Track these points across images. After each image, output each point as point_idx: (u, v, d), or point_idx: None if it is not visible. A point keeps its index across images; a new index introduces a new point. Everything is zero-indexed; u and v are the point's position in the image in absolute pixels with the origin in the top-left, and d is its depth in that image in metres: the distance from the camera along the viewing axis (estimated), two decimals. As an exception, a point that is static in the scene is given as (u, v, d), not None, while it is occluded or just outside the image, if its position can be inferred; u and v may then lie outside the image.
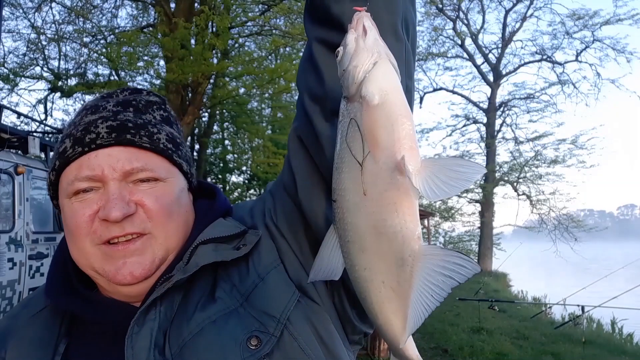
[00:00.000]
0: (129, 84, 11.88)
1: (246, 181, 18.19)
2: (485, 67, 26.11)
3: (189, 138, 15.59)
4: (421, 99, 27.45)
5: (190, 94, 10.73)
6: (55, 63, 12.51)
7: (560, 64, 25.64)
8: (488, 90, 25.89)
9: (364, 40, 0.60)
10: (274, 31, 11.45)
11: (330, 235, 0.66)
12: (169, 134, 0.80)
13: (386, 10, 0.71)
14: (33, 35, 12.00)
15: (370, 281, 0.62)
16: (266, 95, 12.70)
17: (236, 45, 12.82)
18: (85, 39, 11.89)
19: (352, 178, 0.60)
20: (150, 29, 11.66)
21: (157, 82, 12.47)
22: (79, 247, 0.74)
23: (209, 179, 20.62)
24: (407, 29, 0.75)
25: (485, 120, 25.92)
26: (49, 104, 13.82)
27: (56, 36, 11.81)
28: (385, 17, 0.70)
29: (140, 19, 13.39)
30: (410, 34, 0.76)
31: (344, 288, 0.76)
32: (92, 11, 12.17)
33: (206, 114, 16.68)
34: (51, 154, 5.25)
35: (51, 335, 0.77)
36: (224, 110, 16.47)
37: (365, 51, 0.60)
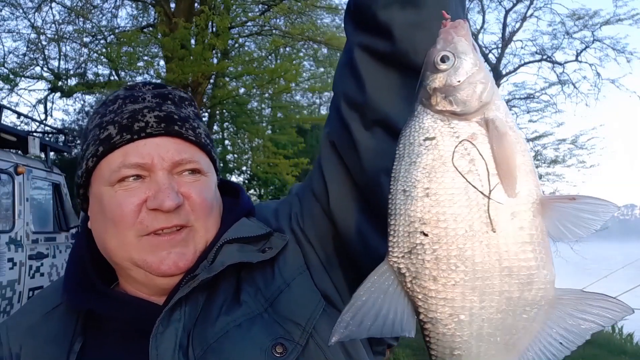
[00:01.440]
0: (129, 84, 11.86)
1: (246, 181, 18.18)
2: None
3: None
4: (421, 99, 27.32)
5: (190, 94, 10.71)
6: (55, 63, 12.49)
7: (560, 64, 25.59)
8: (488, 90, 25.80)
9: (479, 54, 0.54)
10: (274, 31, 11.44)
11: (388, 279, 0.54)
12: (205, 130, 0.81)
13: (439, 17, 0.66)
14: (33, 35, 11.98)
15: (477, 333, 0.52)
16: (266, 95, 12.68)
17: (236, 45, 12.80)
18: (85, 39, 11.88)
19: (466, 209, 0.50)
20: (150, 29, 11.64)
21: (157, 82, 12.44)
22: (120, 237, 0.72)
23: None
24: None
25: (485, 120, 25.83)
26: (49, 104, 13.81)
27: (56, 36, 11.79)
28: (437, 25, 0.65)
29: (140, 19, 13.38)
30: None
31: None
32: (92, 11, 12.15)
33: (206, 114, 16.66)
34: (51, 154, 5.25)
35: (66, 332, 0.76)
36: (224, 110, 16.45)
37: (485, 69, 0.54)
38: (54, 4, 11.68)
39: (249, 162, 16.82)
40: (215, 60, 11.02)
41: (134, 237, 0.72)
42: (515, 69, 26.75)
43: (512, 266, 0.50)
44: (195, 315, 0.70)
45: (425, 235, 0.51)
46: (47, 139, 5.68)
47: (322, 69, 14.29)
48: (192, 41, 9.83)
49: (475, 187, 0.50)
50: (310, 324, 0.69)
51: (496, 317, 0.51)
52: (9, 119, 12.59)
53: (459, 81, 0.53)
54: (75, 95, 13.66)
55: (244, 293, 0.71)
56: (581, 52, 24.85)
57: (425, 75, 0.55)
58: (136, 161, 0.72)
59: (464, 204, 0.50)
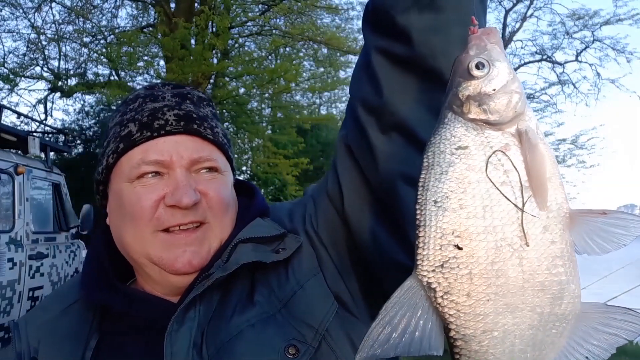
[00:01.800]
0: (129, 84, 11.86)
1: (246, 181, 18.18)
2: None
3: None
4: (421, 99, 27.33)
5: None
6: (55, 63, 12.48)
7: (560, 64, 25.57)
8: (488, 90, 25.80)
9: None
10: (274, 31, 11.45)
11: (416, 294, 0.51)
12: (222, 130, 0.82)
13: (457, 22, 0.66)
14: (33, 35, 11.98)
15: (509, 350, 0.51)
16: (266, 95, 12.68)
17: (236, 45, 12.80)
18: (85, 39, 11.88)
19: (500, 222, 0.49)
20: (150, 29, 11.65)
21: (157, 82, 12.45)
22: (137, 233, 0.73)
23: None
24: None
25: (485, 120, 25.83)
26: (49, 104, 13.81)
27: (56, 36, 11.79)
28: (455, 29, 0.65)
29: (140, 19, 13.38)
30: None
31: (384, 302, 0.76)
32: (92, 11, 12.15)
33: (206, 114, 16.63)
34: (51, 154, 5.25)
35: (83, 329, 0.77)
36: (224, 110, 16.45)
37: (519, 78, 0.53)
38: (54, 4, 11.69)
39: (249, 162, 16.82)
40: (215, 60, 11.02)
41: (150, 233, 0.73)
42: (515, 69, 26.55)
43: (545, 281, 0.49)
44: (210, 314, 0.70)
45: (460, 248, 0.49)
46: (47, 139, 5.68)
47: (322, 69, 14.28)
48: (192, 41, 9.83)
49: (509, 200, 0.49)
50: (323, 326, 0.69)
51: (528, 333, 0.50)
52: (9, 119, 12.58)
53: (494, 89, 0.51)
54: (75, 95, 13.67)
55: (258, 293, 0.71)
56: (581, 52, 24.81)
57: (457, 81, 0.53)
58: (155, 158, 0.73)
59: (498, 216, 0.49)
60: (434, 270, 0.50)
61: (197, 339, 0.68)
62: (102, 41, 11.61)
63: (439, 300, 0.50)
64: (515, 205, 0.49)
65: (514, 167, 0.49)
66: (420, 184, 0.52)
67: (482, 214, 0.49)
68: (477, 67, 0.52)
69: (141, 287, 0.80)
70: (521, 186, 0.49)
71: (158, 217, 0.72)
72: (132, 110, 0.78)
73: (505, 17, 25.91)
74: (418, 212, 0.52)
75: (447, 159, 0.51)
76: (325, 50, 12.85)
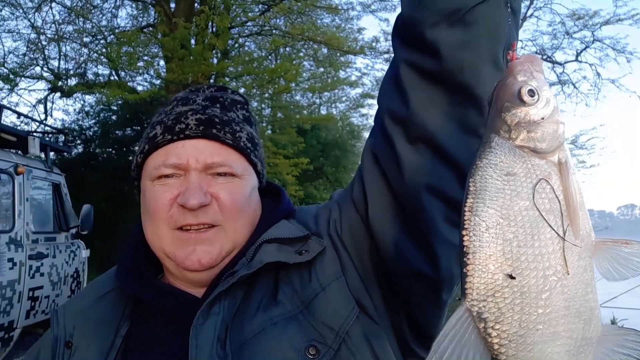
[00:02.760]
0: (129, 84, 11.87)
1: (246, 181, 18.17)
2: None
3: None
4: (421, 99, 27.35)
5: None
6: (55, 63, 12.48)
7: (560, 64, 25.56)
8: (488, 90, 25.83)
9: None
10: (274, 31, 11.44)
11: (466, 323, 0.50)
12: (249, 134, 0.84)
13: (487, 38, 0.66)
14: (33, 35, 11.98)
15: None
16: (266, 95, 12.68)
17: (236, 45, 12.80)
18: (85, 39, 11.88)
19: (545, 251, 0.50)
20: (150, 29, 11.65)
21: (157, 82, 12.46)
22: (155, 228, 0.78)
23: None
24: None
25: (485, 120, 25.85)
26: (49, 104, 13.81)
27: (56, 36, 11.79)
28: (485, 45, 0.66)
29: (140, 19, 13.37)
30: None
31: (405, 310, 0.76)
32: (92, 11, 12.15)
33: (206, 114, 16.61)
34: (51, 154, 5.25)
35: (115, 317, 0.80)
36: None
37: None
38: (54, 4, 11.69)
39: (249, 162, 16.78)
40: (215, 60, 11.02)
41: (166, 230, 0.77)
42: (515, 69, 26.67)
43: (580, 307, 0.51)
44: (234, 310, 0.72)
45: (512, 277, 0.49)
46: (47, 139, 5.68)
47: (322, 69, 14.28)
48: (192, 41, 9.83)
49: (552, 228, 0.49)
50: (343, 329, 0.70)
51: (565, 359, 0.51)
52: (9, 119, 12.58)
53: (542, 118, 0.52)
54: (75, 95, 13.66)
55: (281, 293, 0.73)
56: (581, 52, 24.82)
57: (505, 106, 0.53)
58: (173, 162, 0.77)
59: (544, 245, 0.50)
60: (485, 300, 0.49)
61: (221, 334, 0.70)
62: (102, 41, 11.61)
63: (489, 330, 0.49)
64: (558, 234, 0.49)
65: (556, 195, 0.50)
66: (466, 209, 0.52)
67: (531, 242, 0.49)
68: (529, 94, 0.52)
69: (168, 280, 0.84)
70: (561, 215, 0.50)
71: (171, 216, 0.76)
72: (163, 112, 0.83)
73: (505, 17, 25.86)
74: (465, 238, 0.51)
75: (496, 185, 0.51)
76: (325, 50, 12.85)
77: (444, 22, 0.65)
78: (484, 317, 0.50)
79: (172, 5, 10.52)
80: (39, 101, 13.78)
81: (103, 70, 13.05)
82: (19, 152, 4.86)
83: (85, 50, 12.16)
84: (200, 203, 0.74)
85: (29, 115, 11.41)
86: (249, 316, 0.71)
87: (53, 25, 11.99)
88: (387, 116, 0.73)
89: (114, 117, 17.53)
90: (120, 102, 13.56)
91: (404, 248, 0.71)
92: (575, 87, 25.05)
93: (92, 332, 0.79)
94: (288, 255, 0.74)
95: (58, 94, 13.11)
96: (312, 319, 0.70)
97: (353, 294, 0.73)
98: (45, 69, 12.33)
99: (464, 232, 0.51)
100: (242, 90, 12.12)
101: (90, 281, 0.91)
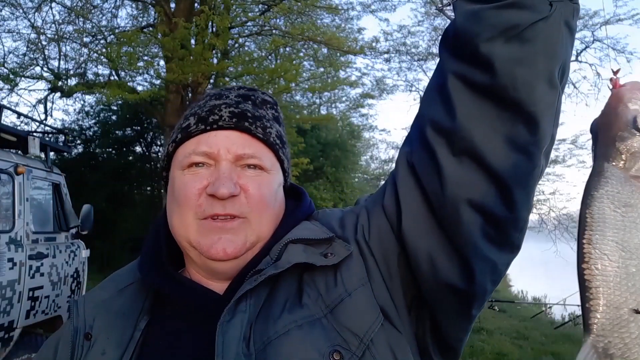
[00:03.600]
0: (129, 84, 11.86)
1: (246, 181, 18.16)
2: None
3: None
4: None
5: (190, 94, 10.71)
6: (55, 63, 12.48)
7: (560, 64, 25.49)
8: (488, 90, 25.86)
9: None
10: (274, 31, 11.44)
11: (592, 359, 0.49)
12: (278, 131, 0.85)
13: (545, 55, 0.64)
14: (33, 35, 11.98)
15: None
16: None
17: (236, 45, 12.80)
18: (85, 39, 11.88)
19: None
20: (150, 29, 11.65)
21: (157, 82, 12.46)
22: (181, 217, 0.78)
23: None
24: (563, 74, 0.69)
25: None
26: (49, 104, 13.79)
27: (56, 36, 11.79)
28: (542, 63, 0.64)
29: (140, 19, 13.37)
30: (564, 80, 0.70)
31: (431, 322, 0.76)
32: (92, 11, 12.15)
33: (206, 114, 16.60)
34: (51, 154, 5.25)
35: (134, 310, 0.80)
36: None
37: None
38: (54, 4, 11.68)
39: (249, 162, 16.78)
40: (215, 60, 11.01)
41: (193, 219, 0.77)
42: (515, 69, 26.67)
43: None
44: (257, 309, 0.72)
45: (638, 312, 0.48)
46: (47, 139, 5.67)
47: (322, 69, 14.27)
48: (192, 41, 9.82)
49: None
50: (368, 336, 0.70)
51: None
52: (9, 119, 12.59)
53: None
54: (75, 95, 13.66)
55: (305, 295, 0.73)
56: (581, 52, 24.85)
57: (619, 135, 0.52)
58: (205, 150, 0.78)
59: None
60: (610, 335, 0.48)
61: (246, 332, 0.69)
62: (102, 41, 11.61)
63: None
64: None
65: None
66: (585, 241, 0.51)
67: None
68: None
69: (189, 274, 0.84)
70: None
71: (200, 205, 0.76)
72: (197, 106, 0.85)
73: (505, 17, 25.86)
74: (587, 272, 0.50)
75: (614, 216, 0.50)
76: (325, 50, 12.85)
77: (500, 37, 0.63)
78: (610, 353, 0.49)
79: (172, 5, 10.52)
80: (39, 101, 13.77)
81: (103, 70, 13.04)
82: (19, 152, 4.86)
83: (85, 50, 12.15)
84: (230, 193, 0.74)
85: (29, 115, 11.41)
86: (273, 316, 0.70)
87: (53, 25, 12.00)
88: (430, 126, 0.71)
89: (114, 117, 17.53)
90: (120, 102, 13.57)
91: (438, 260, 0.70)
92: (575, 87, 25.05)
93: (111, 325, 0.79)
94: (315, 257, 0.74)
95: (58, 94, 13.10)
96: (337, 323, 0.70)
97: (378, 302, 0.73)
98: (45, 69, 12.33)
99: (584, 266, 0.50)
100: (242, 90, 12.14)
101: (110, 275, 0.91)
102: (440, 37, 0.74)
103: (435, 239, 0.70)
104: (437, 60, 0.75)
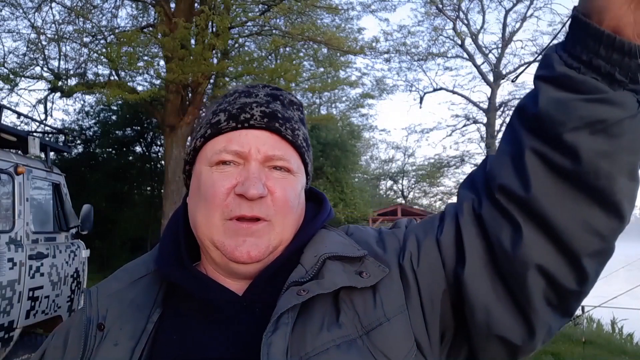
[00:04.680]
0: (129, 84, 11.86)
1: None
2: (485, 67, 26.08)
3: (189, 138, 15.56)
4: (421, 99, 27.43)
5: (190, 94, 10.72)
6: (55, 63, 12.49)
7: (560, 64, 25.48)
8: (488, 90, 25.87)
9: None
10: (274, 31, 11.44)
11: None
12: (304, 134, 0.85)
13: (629, 151, 0.63)
14: (33, 35, 11.99)
15: None
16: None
17: (236, 45, 12.80)
18: (85, 39, 11.88)
19: None
20: (150, 29, 11.64)
21: (157, 82, 12.46)
22: (207, 216, 0.77)
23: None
24: None
25: (485, 120, 25.91)
26: (49, 104, 13.82)
27: (56, 36, 11.79)
28: (625, 157, 0.63)
29: (140, 19, 13.38)
30: None
31: (466, 358, 0.76)
32: (92, 11, 12.15)
33: (206, 114, 16.61)
34: (51, 154, 5.25)
35: (148, 301, 0.80)
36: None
37: None
38: (54, 4, 11.69)
39: (249, 162, 16.76)
40: (215, 60, 11.01)
41: (219, 219, 0.76)
42: (515, 69, 26.76)
43: None
44: (293, 321, 0.71)
45: None
46: (47, 139, 5.67)
47: (322, 69, 14.28)
48: (192, 41, 9.83)
49: None
50: None
51: None
52: (9, 119, 12.59)
53: None
54: (75, 95, 13.67)
55: (343, 314, 0.72)
56: (581, 52, 24.75)
57: None
58: (235, 149, 0.77)
59: None
60: None
61: (287, 346, 0.68)
62: (102, 41, 11.61)
63: None
64: None
65: None
66: None
67: None
68: None
69: (204, 270, 0.83)
70: None
71: (227, 205, 0.76)
72: (226, 102, 0.84)
73: (505, 17, 25.91)
74: None
75: None
76: (325, 50, 12.85)
77: (586, 128, 0.62)
78: None
79: (172, 5, 10.52)
80: (39, 101, 13.79)
81: (103, 70, 13.05)
82: (19, 152, 4.85)
83: (85, 50, 12.16)
84: (259, 194, 0.74)
85: (29, 115, 11.40)
86: (311, 332, 0.70)
87: (53, 25, 12.00)
88: (501, 190, 0.69)
89: (114, 117, 17.53)
90: (120, 102, 13.56)
91: (495, 313, 0.70)
92: (575, 87, 24.99)
93: (124, 316, 0.79)
94: (354, 279, 0.73)
95: (58, 94, 13.12)
96: (372, 346, 0.69)
97: (413, 331, 0.72)
98: (45, 69, 12.34)
99: None
100: (242, 90, 12.13)
101: (123, 266, 0.90)
102: (516, 108, 0.72)
103: (496, 293, 0.70)
104: (509, 122, 0.72)
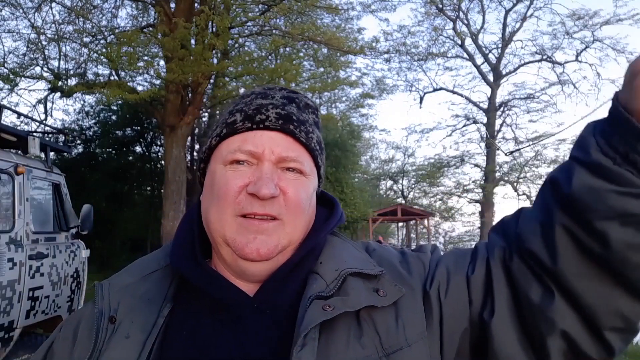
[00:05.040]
0: (129, 84, 11.86)
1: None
2: (485, 67, 26.11)
3: (189, 138, 15.56)
4: (421, 99, 27.44)
5: (190, 94, 10.72)
6: (55, 63, 12.50)
7: (560, 64, 25.61)
8: (488, 90, 25.90)
9: None
10: (274, 31, 11.44)
11: None
12: (318, 137, 0.86)
13: None
14: (33, 35, 11.99)
15: None
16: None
17: (236, 45, 12.81)
18: (85, 39, 11.88)
19: None
20: (150, 29, 11.65)
21: (157, 82, 12.47)
22: (219, 213, 0.78)
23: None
24: None
25: (485, 120, 25.93)
26: (49, 104, 13.83)
27: (56, 36, 11.80)
28: None
29: (140, 19, 13.39)
30: None
31: None
32: (92, 11, 12.16)
33: (206, 114, 16.65)
34: (51, 154, 5.25)
35: (158, 296, 0.81)
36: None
37: None
38: (54, 4, 11.69)
39: (249, 162, 16.76)
40: (215, 60, 11.02)
41: (230, 216, 0.77)
42: (515, 69, 26.71)
43: None
44: (318, 337, 0.72)
45: None
46: (47, 139, 5.66)
47: (322, 69, 14.29)
48: (192, 41, 9.83)
49: None
50: None
51: None
52: (9, 119, 12.61)
53: None
54: (75, 95, 13.68)
55: (366, 335, 0.72)
56: (581, 52, 24.87)
57: None
58: (249, 149, 0.79)
59: None
60: None
61: None
62: (102, 41, 11.61)
63: None
64: None
65: None
66: None
67: None
68: None
69: (215, 267, 0.84)
70: None
71: (239, 202, 0.77)
72: (243, 102, 0.85)
73: (505, 17, 25.92)
74: None
75: None
76: (325, 50, 12.86)
77: (617, 219, 0.62)
78: None
79: (172, 5, 10.53)
80: (39, 101, 13.80)
81: (103, 70, 13.06)
82: (19, 152, 4.85)
83: (85, 50, 12.17)
84: (271, 194, 0.75)
85: (29, 115, 11.41)
86: (335, 350, 0.70)
87: (53, 25, 12.01)
88: (530, 255, 0.70)
89: (114, 117, 17.54)
90: (120, 102, 13.57)
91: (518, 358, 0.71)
92: (575, 87, 25.10)
93: (136, 309, 0.80)
94: (373, 296, 0.74)
95: (58, 94, 13.12)
96: None
97: (431, 359, 0.73)
98: (45, 69, 12.34)
99: None
100: (242, 91, 12.14)
101: (137, 260, 0.91)
102: (550, 178, 0.72)
103: (520, 344, 0.71)
104: (543, 189, 0.73)
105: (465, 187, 27.25)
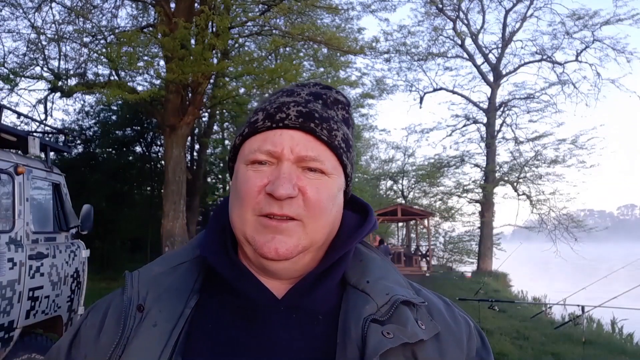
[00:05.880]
0: (129, 84, 11.86)
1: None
2: (485, 67, 26.12)
3: (189, 138, 15.56)
4: (421, 99, 27.45)
5: (190, 94, 10.72)
6: (55, 63, 12.50)
7: (560, 64, 25.62)
8: (488, 90, 25.91)
9: None
10: (274, 31, 11.44)
11: None
12: (344, 134, 0.85)
13: None
14: (33, 35, 11.99)
15: None
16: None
17: (236, 45, 12.82)
18: (85, 39, 11.89)
19: None
20: (150, 29, 11.65)
21: (157, 82, 12.47)
22: (241, 212, 0.79)
23: (208, 179, 20.58)
24: None
25: (485, 120, 25.93)
26: (49, 104, 13.81)
27: (56, 36, 11.80)
28: None
29: (140, 19, 13.40)
30: None
31: None
32: (92, 11, 12.16)
33: (206, 114, 16.64)
34: (51, 154, 5.25)
35: (186, 287, 0.82)
36: (224, 110, 16.41)
37: None
38: (54, 4, 11.69)
39: (249, 162, 16.76)
40: (215, 60, 11.02)
41: (251, 215, 0.78)
42: (515, 69, 26.72)
43: None
44: None
45: None
46: (47, 139, 5.66)
47: (322, 69, 14.29)
48: (192, 41, 9.83)
49: None
50: None
51: None
52: (9, 119, 12.60)
53: None
54: (75, 95, 13.68)
55: None
56: (581, 52, 24.88)
57: None
58: (269, 149, 0.78)
59: None
60: None
61: None
62: (102, 41, 11.62)
63: None
64: None
65: None
66: None
67: None
68: None
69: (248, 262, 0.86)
70: None
71: (258, 202, 0.77)
72: (268, 101, 0.86)
73: (505, 17, 25.93)
74: None
75: None
76: (325, 50, 12.86)
77: None
78: None
79: (172, 5, 10.53)
80: (39, 101, 13.79)
81: (103, 70, 13.07)
82: (19, 152, 4.85)
83: (85, 50, 12.17)
84: (287, 194, 0.75)
85: (29, 115, 11.40)
86: None
87: (53, 25, 12.01)
88: None
89: (114, 117, 17.53)
90: (120, 102, 13.57)
91: None
92: (575, 87, 25.11)
93: (163, 299, 0.80)
94: (419, 328, 0.75)
95: (58, 94, 13.12)
96: None
97: None
98: (45, 69, 12.33)
99: None
100: (242, 91, 12.15)
101: (167, 252, 0.93)
102: None
103: None
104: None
105: (465, 187, 27.22)
